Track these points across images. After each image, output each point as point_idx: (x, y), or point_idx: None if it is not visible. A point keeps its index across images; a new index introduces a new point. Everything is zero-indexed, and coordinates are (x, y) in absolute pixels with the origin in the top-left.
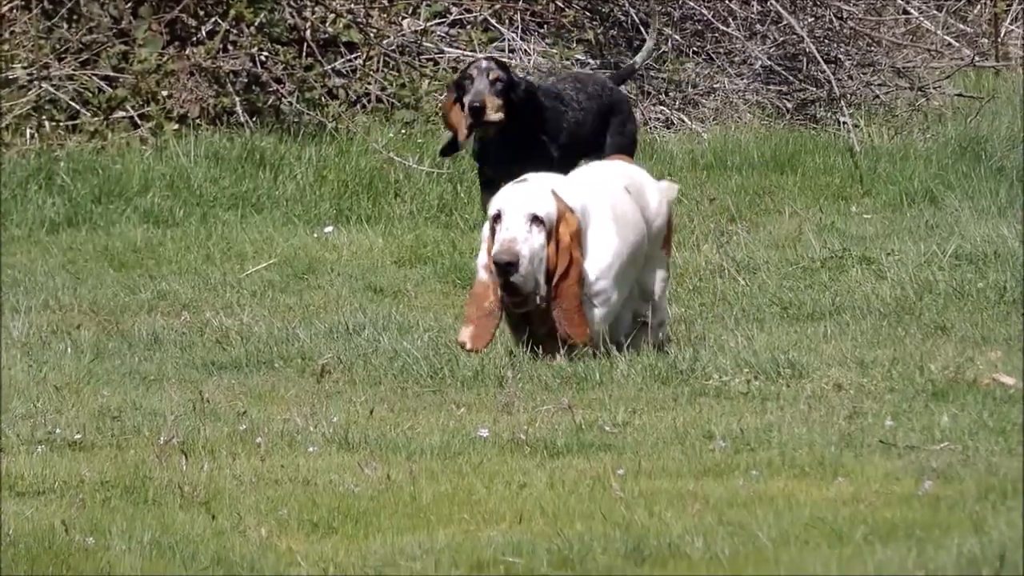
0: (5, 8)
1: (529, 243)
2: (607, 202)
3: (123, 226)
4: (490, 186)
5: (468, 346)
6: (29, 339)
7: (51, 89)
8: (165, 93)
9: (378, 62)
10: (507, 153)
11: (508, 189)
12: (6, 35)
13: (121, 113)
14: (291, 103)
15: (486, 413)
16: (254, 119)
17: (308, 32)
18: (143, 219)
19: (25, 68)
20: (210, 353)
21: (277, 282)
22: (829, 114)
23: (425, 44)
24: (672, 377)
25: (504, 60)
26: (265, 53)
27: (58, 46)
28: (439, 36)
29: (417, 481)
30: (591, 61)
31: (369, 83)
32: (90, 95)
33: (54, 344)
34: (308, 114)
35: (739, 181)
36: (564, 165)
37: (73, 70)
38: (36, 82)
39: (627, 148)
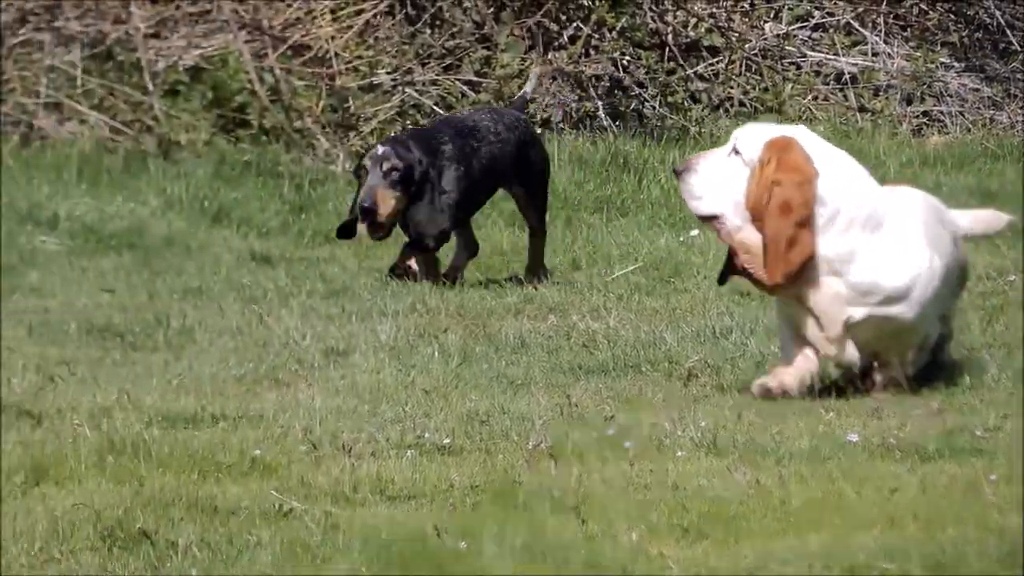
0: (369, 14)
1: (716, 164)
2: (919, 220)
3: (489, 230)
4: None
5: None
6: (397, 343)
7: (414, 94)
8: None
9: (740, 66)
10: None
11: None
12: (370, 41)
13: None
14: (654, 107)
15: (855, 417)
16: (616, 123)
17: (670, 36)
18: (508, 223)
19: (389, 73)
20: (577, 357)
21: (643, 285)
22: None
23: (787, 48)
24: None
25: (403, 140)
26: (627, 57)
27: (421, 51)
28: (801, 40)
29: (787, 486)
30: (955, 64)
31: (731, 87)
32: (453, 100)
33: (421, 348)
34: (671, 118)
35: None
36: (468, 203)
37: (436, 75)
38: (400, 87)
39: (542, 179)
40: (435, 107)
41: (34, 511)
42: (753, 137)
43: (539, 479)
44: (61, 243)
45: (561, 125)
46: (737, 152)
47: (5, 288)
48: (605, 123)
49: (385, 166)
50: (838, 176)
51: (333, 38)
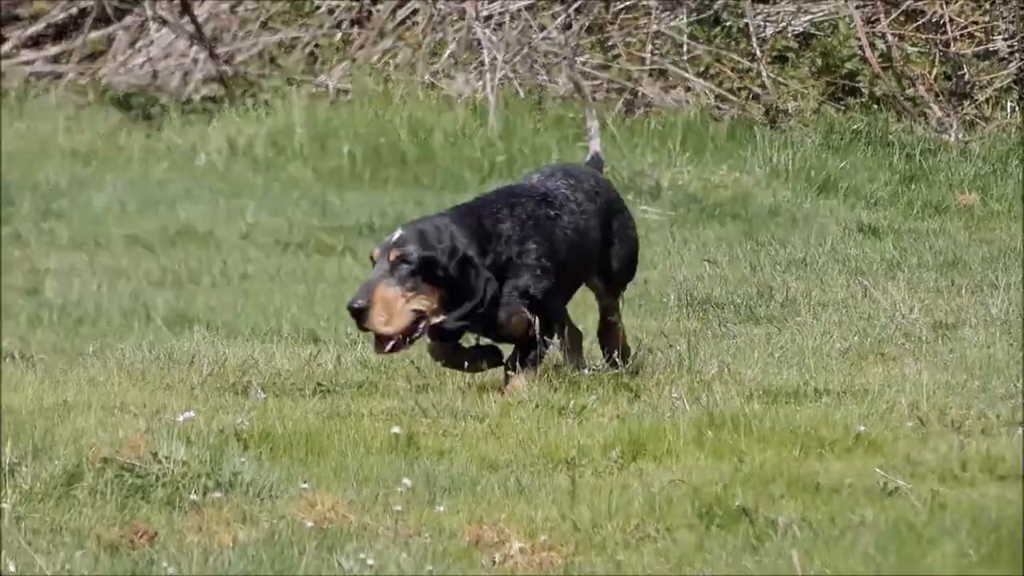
0: None
1: None
2: None
3: None
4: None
5: None
6: (1009, 316)
7: None
8: None
9: None
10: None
11: None
12: (986, 6)
13: None
14: None
15: None
16: None
17: None
18: None
19: (1006, 40)
20: None
21: None
22: None
23: None
24: None
25: (436, 223)
26: None
27: None
28: None
29: None
30: None
31: None
32: None
33: None
34: None
35: None
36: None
37: None
38: (1016, 54)
39: (631, 266)
40: None
41: (630, 487)
42: None
43: None
44: (663, 213)
45: None
46: None
47: None
48: None
49: (392, 255)
50: None
51: (947, 3)
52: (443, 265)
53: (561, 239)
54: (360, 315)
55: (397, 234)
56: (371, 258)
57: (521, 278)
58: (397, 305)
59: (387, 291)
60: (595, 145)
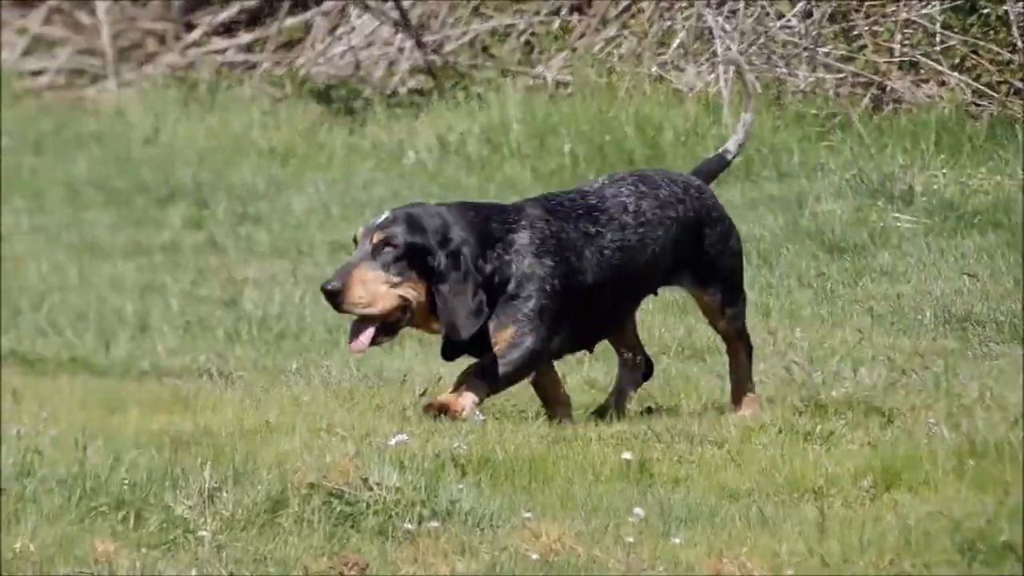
0: None
1: None
2: None
3: None
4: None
5: None
6: None
7: None
8: None
9: None
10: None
11: None
12: None
13: None
14: None
15: None
16: None
17: None
18: None
19: None
20: None
21: None
22: None
23: None
24: None
25: (430, 210)
26: None
27: None
28: None
29: None
30: None
31: None
32: None
33: None
34: None
35: None
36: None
37: None
38: None
39: (733, 285)
40: None
41: (883, 519)
42: None
43: None
44: (916, 220)
45: None
46: None
47: (852, 269)
48: None
49: (376, 238)
50: None
51: None
52: (433, 253)
53: (593, 262)
54: (335, 297)
55: (384, 215)
56: (354, 240)
57: (522, 291)
58: (379, 288)
59: (367, 273)
60: (732, 141)
